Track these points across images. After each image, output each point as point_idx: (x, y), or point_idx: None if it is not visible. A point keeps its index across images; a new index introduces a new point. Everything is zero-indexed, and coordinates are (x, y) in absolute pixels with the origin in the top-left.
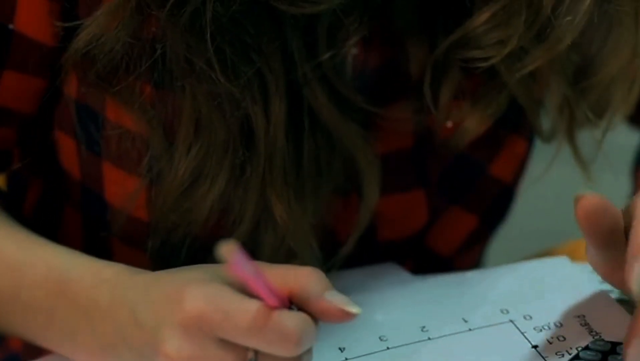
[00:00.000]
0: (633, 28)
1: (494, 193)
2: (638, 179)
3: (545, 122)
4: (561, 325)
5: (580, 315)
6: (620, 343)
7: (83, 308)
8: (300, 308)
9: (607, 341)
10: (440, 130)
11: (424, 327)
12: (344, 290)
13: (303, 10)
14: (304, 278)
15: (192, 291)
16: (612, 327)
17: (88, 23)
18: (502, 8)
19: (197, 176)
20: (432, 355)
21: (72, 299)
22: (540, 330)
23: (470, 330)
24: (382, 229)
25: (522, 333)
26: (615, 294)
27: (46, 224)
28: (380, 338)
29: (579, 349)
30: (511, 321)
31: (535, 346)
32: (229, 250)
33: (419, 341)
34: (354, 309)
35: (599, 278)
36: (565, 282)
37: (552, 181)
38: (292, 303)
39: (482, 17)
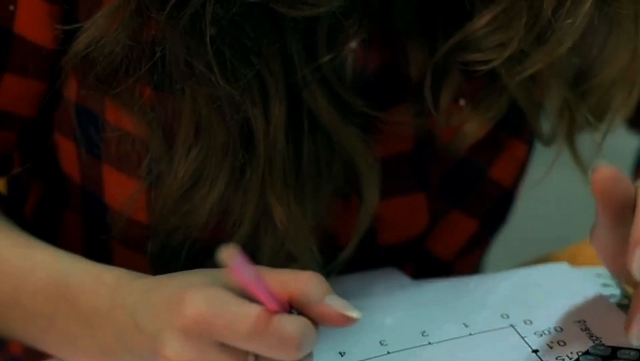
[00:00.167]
0: (633, 31)
1: (494, 197)
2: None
3: (545, 125)
4: (561, 329)
5: (580, 320)
6: (620, 348)
7: (83, 313)
8: (301, 313)
9: (608, 346)
10: (440, 133)
11: (424, 332)
12: (344, 295)
13: (302, 12)
14: (304, 283)
15: (192, 296)
16: (613, 332)
17: (88, 26)
18: (503, 11)
19: (196, 178)
20: (432, 360)
21: (72, 303)
22: (541, 335)
23: (470, 334)
24: (383, 233)
25: (523, 338)
26: (615, 299)
27: (46, 227)
28: (380, 342)
29: (579, 354)
30: (511, 325)
31: (535, 351)
32: (229, 254)
33: (419, 346)
34: (354, 313)
35: (599, 282)
36: (565, 287)
37: (551, 184)
38: (293, 307)
39: (482, 19)
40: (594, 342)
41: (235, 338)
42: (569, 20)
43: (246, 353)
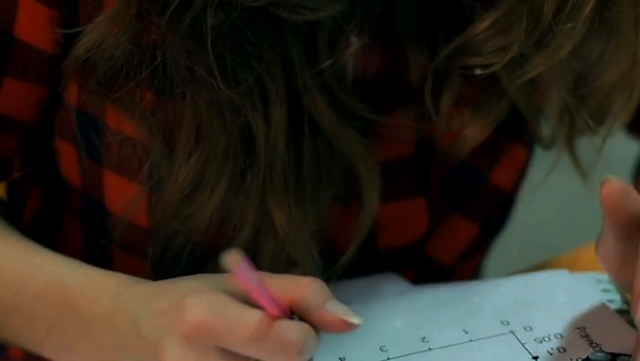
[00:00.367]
0: (633, 35)
1: (494, 201)
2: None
3: (545, 129)
4: (561, 336)
5: (580, 327)
6: (620, 355)
7: (84, 318)
8: (302, 318)
9: (608, 353)
10: (440, 138)
11: (424, 338)
12: (344, 300)
13: (303, 17)
14: (305, 288)
15: (193, 301)
16: (613, 338)
17: (88, 30)
18: (503, 15)
19: (197, 183)
20: None
21: (72, 309)
22: (541, 341)
23: (470, 340)
24: (383, 237)
25: (523, 344)
26: (615, 305)
27: (46, 232)
28: (380, 348)
29: (579, 360)
30: (511, 332)
31: (535, 358)
32: (234, 260)
33: (419, 352)
34: (354, 319)
35: (599, 288)
36: (565, 293)
37: (551, 189)
38: (294, 313)
39: (483, 24)
40: (594, 349)
41: (236, 343)
42: (569, 25)
43: (247, 359)
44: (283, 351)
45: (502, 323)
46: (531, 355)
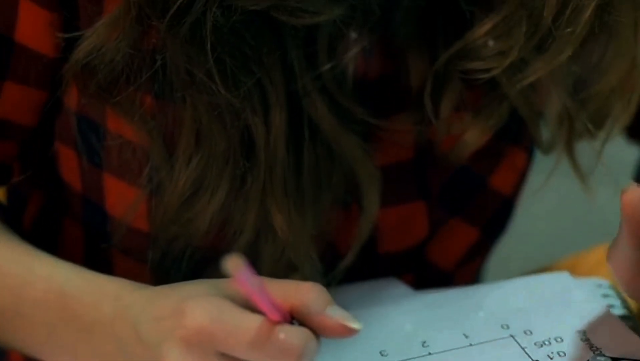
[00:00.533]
0: (632, 39)
1: (494, 205)
2: None
3: (545, 133)
4: (562, 340)
5: (581, 331)
6: (621, 359)
7: (84, 323)
8: (302, 323)
9: (608, 357)
10: (440, 142)
11: (424, 342)
12: (344, 305)
13: (303, 21)
14: (306, 293)
15: (193, 306)
16: (613, 343)
17: (89, 34)
18: (503, 19)
19: (197, 186)
20: None
21: (73, 314)
22: (541, 346)
23: (471, 345)
24: (383, 242)
25: (523, 349)
26: (616, 310)
27: (46, 236)
28: (380, 353)
29: None
30: (512, 336)
31: None
32: (234, 264)
33: (419, 357)
34: (355, 324)
35: (599, 293)
36: (566, 298)
37: (551, 193)
38: (294, 318)
39: (482, 28)
40: (594, 353)
41: (236, 348)
42: (569, 29)
43: None
44: (283, 356)
45: (502, 327)
46: (531, 359)
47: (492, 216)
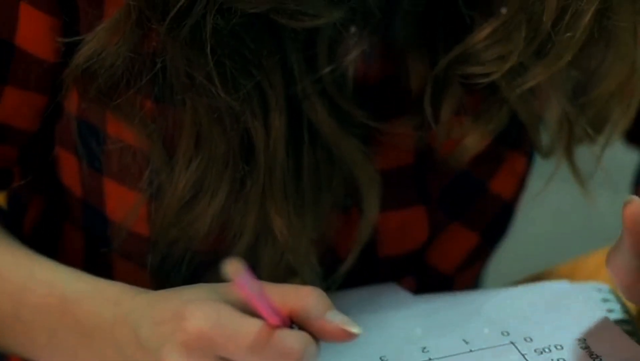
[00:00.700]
0: (632, 44)
1: (494, 210)
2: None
3: (544, 137)
4: (562, 347)
5: (581, 338)
6: None
7: (85, 328)
8: (301, 328)
9: None
10: (440, 146)
11: (424, 348)
12: (344, 310)
13: (302, 24)
14: (305, 298)
15: (193, 311)
16: (613, 350)
17: (89, 38)
18: (502, 24)
19: (197, 190)
20: None
21: (73, 319)
22: (541, 352)
23: (471, 351)
24: (383, 246)
25: (523, 355)
26: (615, 314)
27: (46, 240)
28: (380, 358)
29: None
30: (512, 343)
31: None
32: (234, 269)
33: None
34: (354, 329)
35: (599, 297)
36: (566, 305)
37: (551, 198)
38: (293, 322)
39: (482, 33)
40: (594, 360)
41: (236, 352)
42: (569, 34)
43: None
44: None
45: (502, 333)
46: None
47: (492, 220)
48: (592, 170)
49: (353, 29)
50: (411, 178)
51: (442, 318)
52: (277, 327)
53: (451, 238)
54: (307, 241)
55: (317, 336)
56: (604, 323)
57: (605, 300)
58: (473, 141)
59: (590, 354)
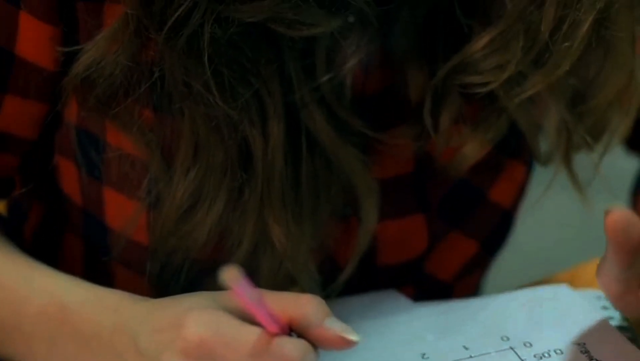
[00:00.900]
0: (630, 53)
1: (493, 218)
2: (638, 207)
3: (543, 146)
4: (561, 352)
5: (580, 343)
6: None
7: (84, 336)
8: (300, 335)
9: None
10: (439, 155)
11: (424, 354)
12: (343, 317)
13: (300, 33)
14: (304, 305)
15: (192, 319)
16: (612, 355)
17: (88, 47)
18: (500, 34)
19: (195, 198)
20: None
21: (73, 327)
22: (541, 358)
23: (471, 356)
24: (382, 254)
25: None
26: (615, 321)
27: (46, 248)
28: None
29: None
30: (511, 348)
31: None
32: (232, 276)
33: None
34: (353, 336)
35: (599, 305)
36: (565, 309)
37: (550, 205)
38: (292, 330)
39: (480, 42)
40: None
41: (235, 360)
42: (567, 44)
43: None
44: None
45: (502, 338)
46: None
47: (492, 229)
48: (590, 177)
49: (351, 38)
50: (410, 187)
51: (441, 324)
52: (276, 335)
53: (450, 247)
54: (306, 249)
55: (316, 344)
56: (603, 328)
57: (604, 308)
58: (472, 149)
59: (590, 358)
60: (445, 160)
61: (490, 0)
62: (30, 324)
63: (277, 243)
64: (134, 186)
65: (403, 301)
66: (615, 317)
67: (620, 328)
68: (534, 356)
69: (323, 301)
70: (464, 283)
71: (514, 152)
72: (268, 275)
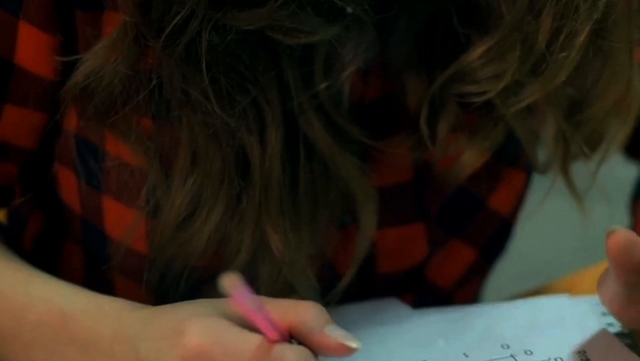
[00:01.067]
0: (627, 63)
1: (493, 226)
2: (637, 214)
3: (541, 154)
4: (562, 359)
5: (580, 351)
6: None
7: (84, 344)
8: (301, 342)
9: None
10: (438, 163)
11: None
12: (343, 324)
13: (298, 40)
14: (304, 312)
15: (192, 326)
16: None
17: (87, 57)
18: (497, 43)
19: (194, 207)
20: None
21: (73, 335)
22: None
23: None
24: (382, 262)
25: None
26: (615, 328)
27: (46, 257)
28: None
29: None
30: (512, 356)
31: None
32: (231, 283)
33: None
34: (353, 343)
35: (599, 312)
36: (565, 317)
37: (550, 212)
38: (293, 337)
39: (476, 52)
40: None
41: None
42: (564, 54)
43: None
44: None
45: (502, 346)
46: None
47: (491, 237)
48: (588, 185)
49: (349, 46)
50: (409, 195)
51: (442, 332)
52: (276, 342)
53: (450, 255)
54: (305, 257)
55: (316, 351)
56: (603, 335)
57: (604, 314)
58: (470, 157)
59: None
60: (443, 168)
61: (487, 10)
62: (29, 331)
63: (275, 250)
64: (133, 195)
65: (403, 308)
66: (615, 323)
67: (620, 335)
68: None
69: (323, 308)
70: (464, 290)
71: (513, 160)
72: (267, 283)
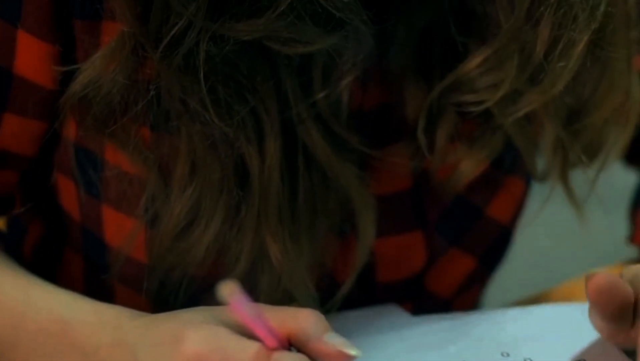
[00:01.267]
0: (625, 72)
1: (492, 235)
2: (637, 221)
3: (540, 162)
4: None
5: (580, 358)
6: None
7: (84, 352)
8: (300, 350)
9: None
10: (436, 172)
11: None
12: (343, 332)
13: (296, 50)
14: (303, 320)
15: (191, 333)
16: None
17: (86, 66)
18: (495, 52)
19: (193, 216)
20: None
21: (72, 343)
22: None
23: None
24: (381, 271)
25: None
26: None
27: (46, 265)
28: None
29: None
30: None
31: None
32: (229, 291)
33: None
34: (353, 351)
35: None
36: (565, 325)
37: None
38: (292, 344)
39: (474, 61)
40: None
41: None
42: (562, 63)
43: None
44: None
45: (502, 354)
46: None
47: (490, 245)
48: (587, 192)
49: (347, 56)
50: (408, 203)
51: (441, 340)
52: (275, 349)
53: (449, 263)
54: (303, 266)
55: (315, 359)
56: (602, 344)
57: None
58: (468, 166)
59: None
60: (442, 177)
61: (485, 19)
62: (29, 340)
63: (274, 259)
64: (132, 204)
65: (402, 315)
66: None
67: None
68: None
69: (322, 316)
70: (463, 298)
71: (512, 169)
72: (267, 292)
